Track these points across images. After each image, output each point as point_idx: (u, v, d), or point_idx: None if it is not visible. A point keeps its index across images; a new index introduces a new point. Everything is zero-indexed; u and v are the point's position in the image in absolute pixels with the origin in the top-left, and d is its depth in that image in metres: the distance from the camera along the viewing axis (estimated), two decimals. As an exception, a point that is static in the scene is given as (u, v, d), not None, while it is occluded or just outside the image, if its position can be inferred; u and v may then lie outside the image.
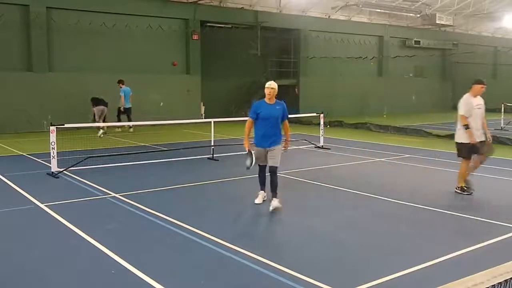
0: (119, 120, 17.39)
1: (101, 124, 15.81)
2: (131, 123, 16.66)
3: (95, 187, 8.26)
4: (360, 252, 5.26)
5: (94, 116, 16.70)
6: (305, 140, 14.50)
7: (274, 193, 6.87)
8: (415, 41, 29.35)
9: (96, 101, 16.86)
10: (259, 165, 7.10)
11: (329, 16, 25.88)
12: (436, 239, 5.70)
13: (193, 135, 16.68)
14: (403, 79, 29.99)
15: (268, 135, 6.88)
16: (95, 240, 5.46)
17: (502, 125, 19.22)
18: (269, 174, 6.94)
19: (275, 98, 6.96)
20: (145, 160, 10.83)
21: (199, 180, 8.91)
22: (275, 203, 6.75)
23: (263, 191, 7.24)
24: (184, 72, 21.57)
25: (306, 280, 4.37)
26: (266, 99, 6.91)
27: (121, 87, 17.40)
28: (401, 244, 5.51)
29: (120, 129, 17.75)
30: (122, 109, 17.45)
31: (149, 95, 20.06)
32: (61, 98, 17.84)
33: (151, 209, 6.77)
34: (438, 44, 30.93)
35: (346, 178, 9.38)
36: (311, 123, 18.77)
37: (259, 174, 7.25)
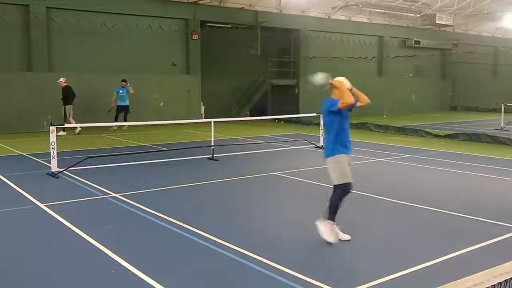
0: (120, 120, 17.66)
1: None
2: (118, 124, 16.76)
3: (95, 187, 8.26)
4: (360, 252, 5.26)
5: (65, 114, 16.50)
6: (305, 140, 14.50)
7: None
8: (415, 41, 29.33)
9: (70, 97, 16.66)
10: (346, 184, 5.43)
11: (329, 16, 25.88)
12: (436, 239, 5.70)
13: (193, 135, 16.68)
14: (403, 79, 29.97)
15: (348, 138, 5.58)
16: (95, 240, 5.46)
17: (502, 125, 19.21)
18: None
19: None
20: (145, 160, 10.83)
21: (199, 180, 8.90)
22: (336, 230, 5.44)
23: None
24: (184, 72, 21.56)
25: (306, 280, 4.37)
26: (335, 96, 5.59)
27: (125, 86, 17.98)
28: (401, 244, 5.50)
29: (126, 127, 17.86)
30: (113, 107, 17.87)
31: (152, 95, 20.12)
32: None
33: (151, 209, 6.77)
34: (438, 44, 30.91)
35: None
36: (311, 123, 18.78)
37: (343, 197, 5.43)
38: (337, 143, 5.46)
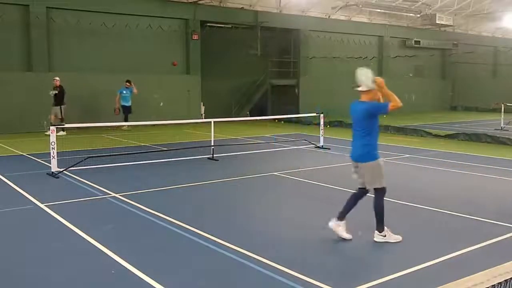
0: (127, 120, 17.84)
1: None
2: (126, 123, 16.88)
3: (95, 187, 8.26)
4: (360, 252, 5.26)
5: (62, 114, 16.46)
6: (305, 140, 14.50)
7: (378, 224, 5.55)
8: (415, 41, 29.33)
9: (63, 97, 16.64)
10: (385, 186, 5.59)
11: (329, 16, 25.88)
12: (436, 239, 5.70)
13: (193, 135, 16.68)
14: (403, 79, 29.96)
15: None
16: (95, 240, 5.46)
17: (502, 125, 19.21)
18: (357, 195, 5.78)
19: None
20: (145, 160, 10.82)
21: (199, 180, 8.90)
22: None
23: None
24: (184, 72, 21.56)
25: (306, 280, 4.37)
26: (367, 98, 5.69)
27: (129, 87, 18.17)
28: (401, 244, 5.50)
29: (126, 127, 17.89)
30: (119, 108, 18.06)
31: (152, 95, 20.14)
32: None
33: (151, 209, 6.77)
34: (438, 44, 30.91)
35: (345, 178, 9.34)
36: (311, 123, 18.77)
37: (383, 199, 5.60)
38: (376, 147, 5.52)
